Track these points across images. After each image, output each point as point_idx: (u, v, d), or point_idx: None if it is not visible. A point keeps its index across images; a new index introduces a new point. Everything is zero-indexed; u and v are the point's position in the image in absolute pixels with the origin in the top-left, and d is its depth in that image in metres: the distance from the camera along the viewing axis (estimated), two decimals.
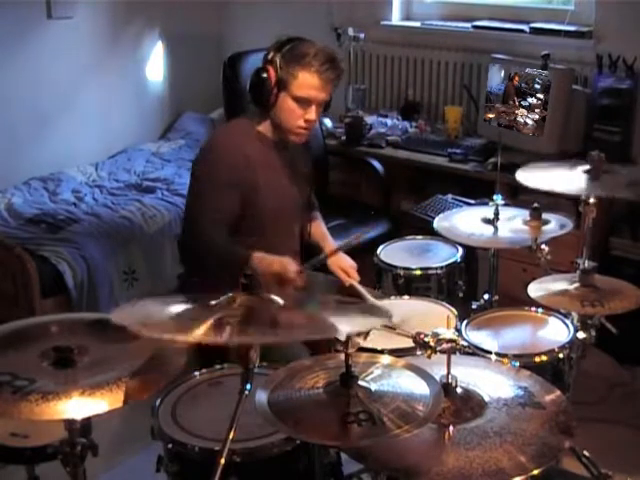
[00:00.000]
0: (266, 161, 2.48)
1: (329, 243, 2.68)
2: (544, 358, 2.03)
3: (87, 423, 1.62)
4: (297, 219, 2.66)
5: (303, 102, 2.41)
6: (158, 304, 1.56)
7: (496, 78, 3.64)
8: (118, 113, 4.47)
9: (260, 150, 2.47)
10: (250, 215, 2.46)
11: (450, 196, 3.46)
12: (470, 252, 2.76)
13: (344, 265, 2.56)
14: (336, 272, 2.56)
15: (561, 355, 2.06)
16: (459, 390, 1.64)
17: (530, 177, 2.36)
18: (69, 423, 1.54)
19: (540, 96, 3.45)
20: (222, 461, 1.44)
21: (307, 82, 2.38)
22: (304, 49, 2.39)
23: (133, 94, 4.55)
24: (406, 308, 2.31)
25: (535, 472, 1.46)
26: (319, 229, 2.73)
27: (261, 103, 2.44)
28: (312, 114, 2.43)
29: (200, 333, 1.38)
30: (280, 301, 1.52)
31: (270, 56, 2.41)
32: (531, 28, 3.76)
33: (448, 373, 1.63)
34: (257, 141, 2.48)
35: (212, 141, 2.56)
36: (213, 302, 1.49)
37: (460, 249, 2.61)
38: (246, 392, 1.46)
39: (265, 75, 2.39)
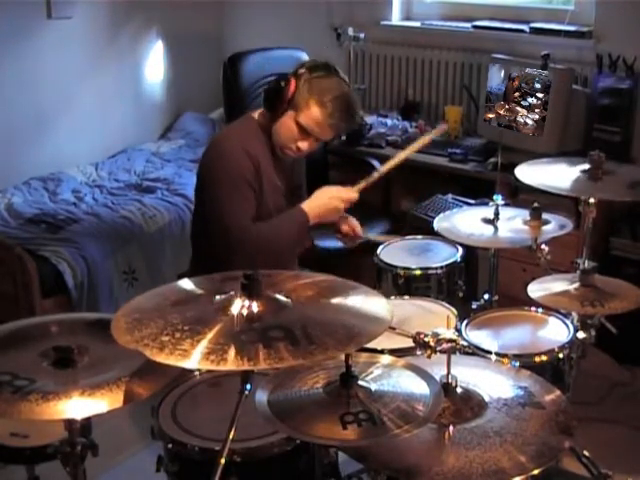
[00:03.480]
0: (268, 162, 2.50)
1: None
2: (544, 358, 2.02)
3: (87, 423, 1.63)
4: None
5: (304, 131, 2.41)
6: None
7: (496, 78, 3.64)
8: (118, 113, 4.46)
9: (263, 151, 2.49)
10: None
11: (450, 196, 3.46)
12: (470, 252, 2.75)
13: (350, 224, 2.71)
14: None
15: (561, 355, 2.06)
16: (459, 390, 1.64)
17: (529, 174, 2.36)
18: (69, 423, 1.54)
19: (540, 96, 3.45)
20: (222, 461, 1.44)
21: (315, 117, 2.39)
22: (330, 85, 2.38)
23: (133, 94, 4.55)
24: (406, 308, 2.31)
25: (535, 472, 1.46)
26: None
27: (269, 108, 2.45)
28: (305, 145, 2.45)
29: None
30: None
31: (300, 71, 2.41)
32: (531, 28, 3.76)
33: (448, 373, 1.63)
34: (262, 142, 2.50)
35: (222, 142, 2.54)
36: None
37: (460, 249, 2.61)
38: (246, 392, 1.46)
39: (285, 86, 2.38)
